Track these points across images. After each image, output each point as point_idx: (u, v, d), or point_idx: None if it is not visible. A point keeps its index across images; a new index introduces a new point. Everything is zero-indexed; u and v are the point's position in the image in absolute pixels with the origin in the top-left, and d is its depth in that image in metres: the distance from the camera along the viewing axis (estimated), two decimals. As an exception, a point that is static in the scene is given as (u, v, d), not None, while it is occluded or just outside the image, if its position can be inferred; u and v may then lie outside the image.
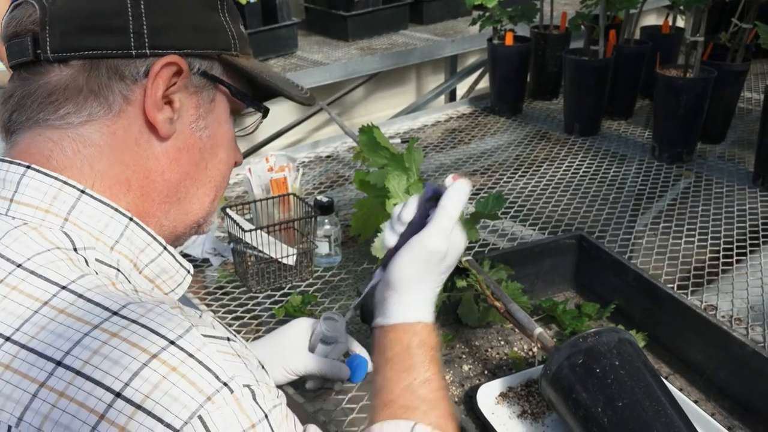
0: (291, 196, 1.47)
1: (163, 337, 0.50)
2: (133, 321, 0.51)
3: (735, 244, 1.53)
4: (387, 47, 3.04)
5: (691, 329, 1.09)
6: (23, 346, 0.50)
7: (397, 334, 0.79)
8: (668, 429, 0.83)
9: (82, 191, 0.61)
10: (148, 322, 0.51)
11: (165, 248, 0.68)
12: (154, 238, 0.66)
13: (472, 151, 2.12)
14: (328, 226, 1.43)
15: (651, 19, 4.05)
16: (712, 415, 0.99)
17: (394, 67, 3.07)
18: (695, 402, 1.02)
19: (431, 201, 0.83)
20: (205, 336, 0.52)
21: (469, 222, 1.24)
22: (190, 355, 0.50)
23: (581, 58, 2.15)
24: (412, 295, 0.80)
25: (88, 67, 0.61)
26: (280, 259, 1.37)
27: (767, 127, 1.74)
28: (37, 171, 0.60)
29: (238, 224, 1.33)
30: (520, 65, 2.32)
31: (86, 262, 0.58)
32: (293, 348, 1.00)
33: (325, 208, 1.41)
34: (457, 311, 1.21)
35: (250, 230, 1.33)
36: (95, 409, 0.47)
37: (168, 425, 0.48)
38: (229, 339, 0.55)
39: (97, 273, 0.57)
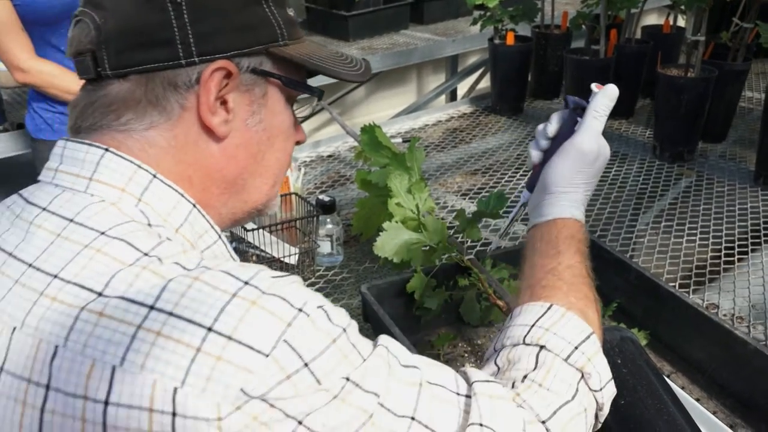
0: (293, 196, 1.47)
1: (238, 279, 0.55)
2: (210, 269, 0.56)
3: (736, 242, 1.53)
4: (388, 47, 3.04)
5: (693, 328, 1.09)
6: (114, 297, 0.54)
7: (548, 228, 0.83)
8: (670, 427, 0.83)
9: (154, 175, 0.65)
10: (223, 269, 0.56)
11: (219, 237, 0.71)
12: (212, 226, 0.70)
13: (474, 151, 2.12)
14: (330, 226, 1.43)
15: (652, 19, 4.06)
16: (714, 413, 1.00)
17: (395, 67, 3.07)
18: (697, 400, 1.02)
19: (575, 112, 0.86)
20: (272, 276, 0.57)
21: (471, 221, 1.24)
22: (263, 292, 0.54)
23: (582, 58, 2.15)
24: (566, 196, 0.84)
25: (144, 80, 0.65)
26: (282, 259, 1.38)
27: (768, 126, 1.75)
28: (115, 154, 0.64)
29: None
30: (521, 65, 2.32)
31: (160, 236, 0.62)
32: None
33: (327, 208, 1.41)
34: (459, 310, 1.21)
35: (253, 230, 1.33)
36: (191, 343, 0.52)
37: (258, 351, 0.52)
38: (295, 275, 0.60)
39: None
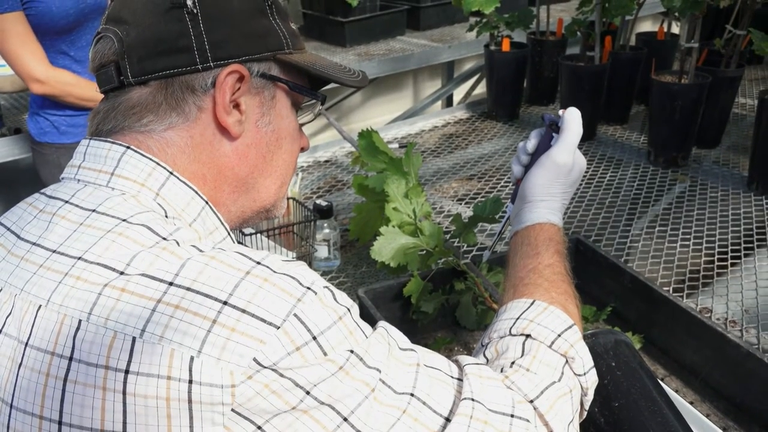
0: (290, 201, 1.48)
1: (251, 259, 0.60)
2: (224, 250, 0.60)
3: (730, 247, 1.55)
4: (384, 53, 3.05)
5: (687, 331, 1.10)
6: (136, 275, 0.58)
7: (528, 232, 0.89)
8: (664, 429, 0.84)
9: (171, 173, 0.70)
10: (237, 249, 0.61)
11: (229, 234, 0.75)
12: (222, 223, 0.74)
13: (470, 156, 2.14)
14: (327, 230, 1.44)
15: (646, 26, 4.08)
16: (707, 416, 1.01)
17: (392, 73, 3.09)
18: (691, 403, 1.03)
19: (551, 128, 0.94)
20: (282, 260, 0.61)
21: (467, 226, 1.26)
22: (274, 271, 0.59)
23: (577, 64, 2.17)
24: (543, 203, 0.91)
25: (164, 85, 0.70)
26: (279, 263, 1.38)
27: (761, 133, 1.76)
28: (135, 151, 0.69)
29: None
30: (516, 71, 2.34)
31: (175, 225, 0.66)
32: None
33: (325, 212, 1.42)
34: (455, 314, 1.22)
35: (251, 234, 1.34)
36: (207, 315, 0.55)
37: (270, 323, 0.56)
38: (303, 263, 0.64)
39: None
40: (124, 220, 0.63)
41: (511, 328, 0.76)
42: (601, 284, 1.27)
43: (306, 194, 1.87)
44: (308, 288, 0.59)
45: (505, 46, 2.31)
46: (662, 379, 1.09)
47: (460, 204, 1.81)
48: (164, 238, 0.61)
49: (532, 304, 0.78)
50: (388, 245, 1.17)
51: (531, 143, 0.95)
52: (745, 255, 1.51)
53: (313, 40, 3.26)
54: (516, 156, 0.98)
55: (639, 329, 1.18)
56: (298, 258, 1.41)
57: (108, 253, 0.60)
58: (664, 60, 2.33)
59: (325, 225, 1.44)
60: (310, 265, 1.44)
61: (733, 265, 1.48)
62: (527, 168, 0.95)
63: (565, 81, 2.18)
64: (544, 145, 0.94)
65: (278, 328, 0.56)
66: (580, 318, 0.82)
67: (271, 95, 0.76)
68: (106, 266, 0.59)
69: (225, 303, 0.56)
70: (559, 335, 0.75)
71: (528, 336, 0.75)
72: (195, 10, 0.70)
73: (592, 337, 0.92)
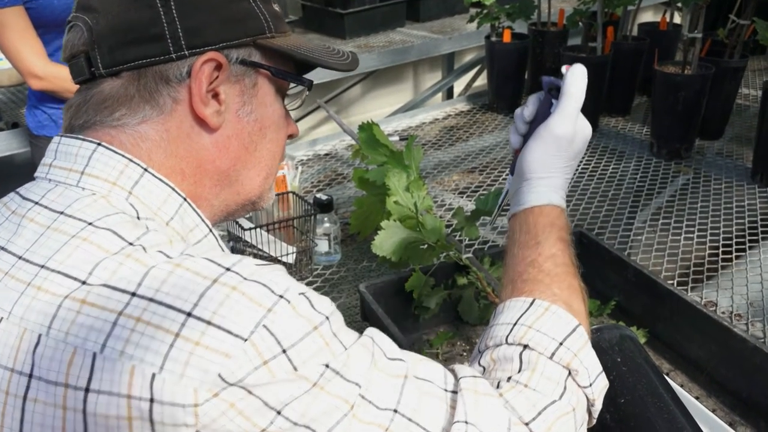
0: (290, 195, 1.47)
1: (219, 265, 0.55)
2: (192, 256, 0.57)
3: (734, 240, 1.53)
4: (384, 45, 3.03)
5: (692, 325, 1.09)
6: (98, 285, 0.55)
7: (526, 216, 0.80)
8: (671, 425, 0.83)
9: (145, 169, 0.66)
10: (206, 256, 0.57)
11: (210, 231, 0.71)
12: (202, 220, 0.71)
13: (471, 149, 2.12)
14: (327, 224, 1.42)
15: (648, 16, 4.06)
16: (713, 411, 1.00)
17: (392, 65, 3.07)
18: (696, 398, 1.02)
19: (550, 93, 0.83)
20: (256, 264, 0.57)
21: (469, 219, 1.24)
22: (245, 278, 0.55)
23: (579, 55, 2.14)
24: (543, 181, 0.81)
25: (137, 75, 0.66)
26: (279, 258, 1.37)
27: (765, 124, 1.75)
28: (107, 148, 0.65)
29: (237, 223, 1.33)
30: (517, 62, 2.32)
31: (147, 228, 0.62)
32: None
33: (325, 206, 1.41)
34: (458, 309, 1.21)
35: (250, 229, 1.32)
36: (170, 329, 0.52)
37: (237, 336, 0.52)
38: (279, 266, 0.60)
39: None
40: (90, 224, 0.59)
41: (507, 336, 0.69)
42: (605, 278, 1.26)
43: (306, 188, 1.86)
44: (280, 296, 0.55)
45: (506, 38, 2.29)
46: (667, 374, 1.08)
47: (462, 197, 1.79)
48: (130, 243, 0.58)
49: (531, 304, 0.71)
50: (389, 239, 1.16)
51: (528, 110, 0.85)
52: (750, 247, 1.50)
53: (312, 32, 3.24)
54: (512, 126, 0.88)
55: (643, 323, 1.17)
56: (299, 252, 1.39)
57: (71, 261, 0.57)
58: (666, 51, 2.31)
59: (326, 219, 1.42)
60: (310, 259, 1.42)
61: (737, 257, 1.46)
62: (526, 137, 0.85)
63: (567, 72, 2.16)
64: (543, 113, 0.83)
65: (245, 340, 0.52)
66: (587, 314, 0.75)
67: (253, 83, 0.72)
68: (67, 275, 0.56)
69: (189, 314, 0.52)
70: (561, 343, 0.67)
71: (526, 346, 0.67)
72: None
73: (597, 332, 0.91)
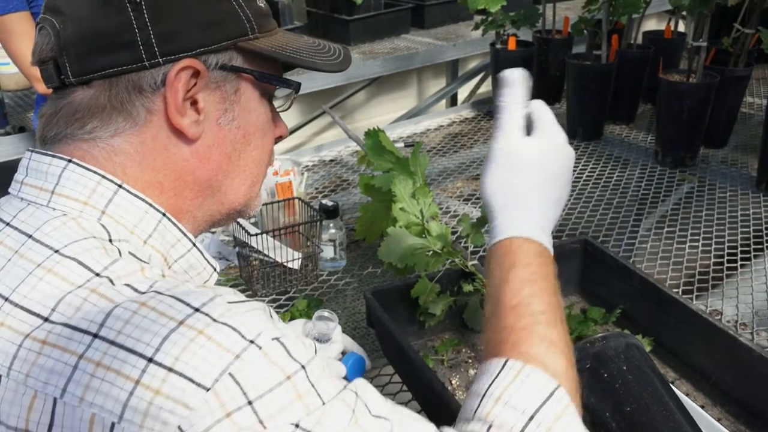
0: (296, 200, 1.47)
1: (188, 305, 0.52)
2: (161, 293, 0.53)
3: (739, 248, 1.53)
4: (389, 51, 3.04)
5: (697, 334, 1.09)
6: (59, 324, 0.52)
7: (488, 257, 0.71)
8: (676, 434, 0.83)
9: (119, 186, 0.63)
10: (174, 293, 0.53)
11: (194, 245, 0.69)
12: (185, 235, 0.68)
13: (475, 156, 2.12)
14: (333, 230, 1.43)
15: (651, 24, 4.06)
16: (718, 420, 1.00)
17: (396, 71, 3.08)
18: (702, 407, 1.02)
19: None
20: (229, 302, 0.53)
21: (475, 226, 1.24)
22: (214, 320, 0.51)
23: (584, 63, 2.15)
24: (502, 212, 0.71)
25: (108, 85, 0.62)
26: (285, 263, 1.38)
27: (770, 132, 1.75)
28: (78, 165, 0.62)
29: (243, 228, 1.33)
30: (522, 70, 2.32)
31: (119, 253, 0.59)
32: None
33: (330, 212, 1.41)
34: (463, 315, 1.21)
35: (256, 234, 1.33)
36: (130, 375, 0.49)
37: (199, 384, 0.48)
38: (264, 305, 0.57)
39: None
40: (56, 251, 0.56)
41: (475, 411, 0.61)
42: (610, 286, 1.26)
43: (311, 193, 1.86)
44: (251, 341, 0.51)
45: (511, 45, 2.30)
46: (672, 383, 1.08)
47: (466, 204, 1.80)
48: (97, 274, 0.55)
49: (503, 367, 0.62)
50: (395, 246, 1.16)
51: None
52: (755, 256, 1.50)
53: (317, 38, 3.25)
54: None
55: (649, 332, 1.17)
56: (305, 258, 1.40)
57: (34, 294, 0.54)
58: (671, 59, 2.32)
59: (331, 225, 1.43)
60: (315, 265, 1.43)
61: (742, 266, 1.46)
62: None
63: (572, 80, 2.16)
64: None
65: (208, 390, 0.48)
66: (571, 362, 0.65)
67: (234, 88, 0.67)
68: (30, 311, 0.53)
69: (150, 360, 0.49)
70: (532, 417, 0.59)
71: (490, 426, 0.59)
72: None
73: (603, 340, 0.91)
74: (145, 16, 0.61)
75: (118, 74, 0.62)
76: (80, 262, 0.56)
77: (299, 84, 0.73)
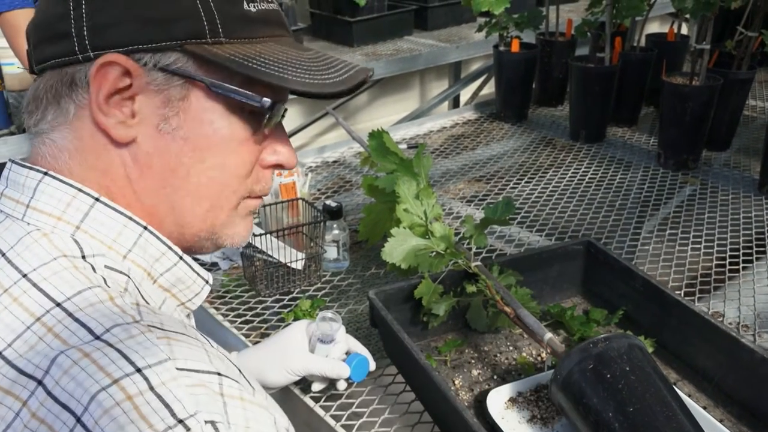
0: (300, 201, 1.48)
1: (131, 363, 0.49)
2: (110, 345, 0.50)
3: (741, 251, 1.54)
4: (392, 53, 3.05)
5: (700, 336, 1.09)
6: (9, 363, 0.51)
7: None
8: (679, 434, 0.83)
9: (96, 199, 0.61)
10: (123, 347, 0.50)
11: (181, 258, 0.67)
12: (170, 248, 0.65)
13: (478, 157, 2.13)
14: (336, 231, 1.43)
15: (654, 27, 4.07)
16: (720, 421, 1.00)
17: (399, 73, 3.09)
18: (704, 408, 1.02)
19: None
20: (179, 369, 0.49)
21: (478, 228, 1.25)
22: (151, 387, 0.48)
23: (587, 65, 2.16)
24: None
25: (48, 76, 0.62)
26: (288, 264, 1.38)
27: (773, 135, 1.75)
28: (54, 178, 0.61)
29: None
30: (525, 72, 2.33)
31: (93, 268, 0.58)
32: (293, 349, 1.02)
33: (334, 213, 1.42)
34: (466, 316, 1.22)
35: (260, 234, 1.33)
36: None
37: None
38: (219, 374, 0.51)
39: (105, 280, 0.57)
40: (24, 276, 0.55)
41: None
42: (613, 287, 1.26)
43: (313, 194, 1.87)
44: (179, 421, 0.46)
45: (515, 47, 2.30)
46: (675, 384, 1.08)
47: (469, 205, 1.80)
48: (58, 304, 0.53)
49: None
50: (399, 247, 1.16)
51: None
52: (757, 258, 1.50)
53: (320, 40, 3.26)
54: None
55: (651, 333, 1.17)
56: (308, 258, 1.40)
57: None
58: (674, 61, 2.32)
59: (335, 226, 1.43)
60: (319, 265, 1.43)
61: (744, 268, 1.47)
62: None
63: (575, 82, 2.17)
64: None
65: None
66: None
67: (181, 95, 0.61)
68: None
69: (78, 419, 0.46)
70: None
71: None
72: None
73: (606, 341, 0.92)
74: (83, 6, 0.59)
75: (60, 66, 0.61)
76: (44, 292, 0.54)
77: (272, 102, 0.63)
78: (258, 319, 1.30)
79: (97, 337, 0.51)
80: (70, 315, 0.53)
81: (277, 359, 1.00)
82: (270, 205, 1.45)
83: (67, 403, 0.47)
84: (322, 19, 3.27)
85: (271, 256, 1.37)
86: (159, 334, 0.52)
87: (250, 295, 1.39)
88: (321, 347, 1.03)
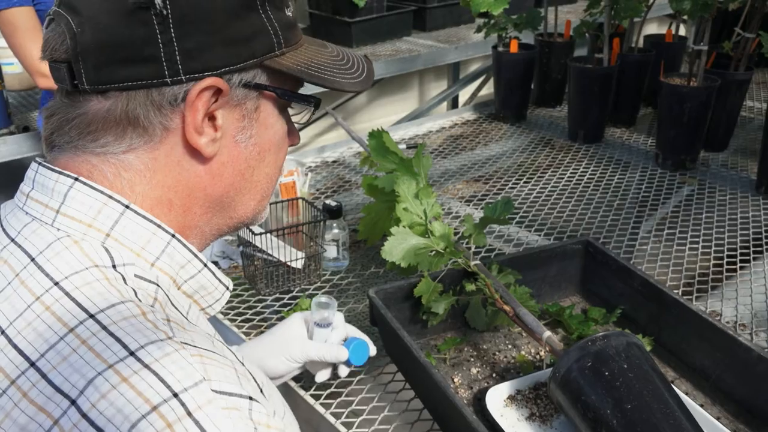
0: (299, 200, 1.48)
1: (169, 387, 0.49)
2: (146, 366, 0.51)
3: (738, 251, 1.54)
4: (391, 53, 3.05)
5: (697, 334, 1.10)
6: (44, 376, 0.51)
7: None
8: (676, 431, 0.84)
9: (127, 206, 0.61)
10: (159, 368, 0.50)
11: (205, 265, 0.68)
12: (195, 255, 0.66)
13: (477, 158, 2.14)
14: (336, 230, 1.44)
15: (653, 28, 4.08)
16: (717, 418, 1.01)
17: (398, 74, 3.09)
18: (701, 406, 1.03)
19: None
20: (215, 391, 0.51)
21: (477, 227, 1.26)
22: (189, 414, 0.49)
23: (585, 66, 2.16)
24: None
25: (125, 98, 0.60)
26: (288, 263, 1.39)
27: (770, 136, 1.76)
28: (84, 184, 0.61)
29: (248, 227, 1.34)
30: (524, 72, 2.34)
31: (124, 279, 0.58)
32: (292, 337, 1.03)
33: (334, 212, 1.42)
34: (465, 315, 1.22)
35: (260, 234, 1.34)
36: None
37: None
38: (251, 398, 0.53)
39: (135, 292, 0.58)
40: (56, 284, 0.55)
41: None
42: (611, 286, 1.27)
43: (313, 194, 1.88)
44: None
45: (513, 48, 2.31)
46: (672, 382, 1.09)
47: (468, 205, 1.81)
48: (92, 316, 0.53)
49: None
50: (398, 246, 1.17)
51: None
52: (754, 258, 1.51)
53: (319, 40, 3.26)
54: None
55: (648, 331, 1.18)
56: (308, 257, 1.41)
57: (28, 332, 0.53)
58: (672, 62, 2.33)
59: (335, 225, 1.44)
60: (318, 265, 1.44)
61: (741, 268, 1.48)
62: None
63: (573, 83, 2.18)
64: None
65: None
66: None
67: (255, 106, 0.66)
68: (21, 352, 0.53)
69: None
70: None
71: None
72: (165, 12, 0.58)
73: (605, 339, 0.93)
74: (171, 30, 0.59)
75: (137, 88, 0.60)
76: (77, 303, 0.54)
77: (319, 100, 0.71)
78: (258, 318, 1.31)
79: (132, 353, 0.51)
80: (105, 328, 0.53)
81: (276, 349, 1.01)
82: (270, 204, 1.45)
83: (104, 427, 0.48)
84: (321, 20, 3.27)
85: (271, 255, 1.38)
86: (192, 351, 0.53)
87: (250, 293, 1.39)
88: (319, 332, 1.04)
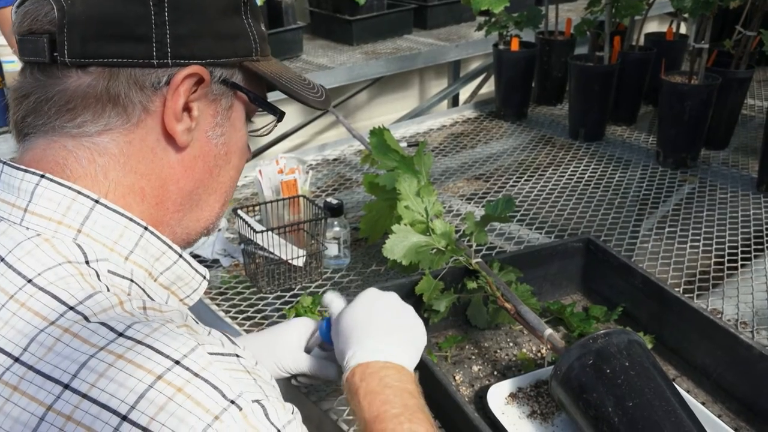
0: (301, 198, 1.48)
1: (168, 357, 0.50)
2: (139, 342, 0.51)
3: (739, 249, 1.54)
4: (391, 51, 3.05)
5: (698, 332, 1.10)
6: (30, 368, 0.51)
7: (348, 386, 0.84)
8: (678, 429, 0.84)
9: (96, 201, 0.60)
10: (152, 342, 0.51)
11: (180, 256, 0.68)
12: (170, 247, 0.66)
13: (478, 156, 2.14)
14: (337, 228, 1.44)
15: (653, 26, 4.08)
16: (719, 416, 1.01)
17: (398, 72, 3.09)
18: (702, 403, 1.03)
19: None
20: (211, 354, 0.52)
21: (479, 225, 1.26)
22: (196, 375, 0.50)
23: (586, 64, 2.16)
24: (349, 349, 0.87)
25: (108, 74, 0.60)
26: (289, 261, 1.39)
27: (771, 134, 1.76)
28: (51, 180, 0.60)
29: (249, 225, 1.34)
30: (525, 70, 2.34)
31: (98, 275, 0.58)
32: (289, 346, 0.99)
33: (335, 210, 1.42)
34: (466, 313, 1.22)
35: (261, 231, 1.34)
36: None
37: None
38: (237, 356, 0.55)
39: (108, 288, 0.57)
40: (29, 281, 0.54)
41: None
42: (612, 284, 1.27)
43: (314, 192, 1.88)
44: (231, 402, 0.50)
45: (514, 46, 2.31)
46: (674, 380, 1.09)
47: (469, 203, 1.81)
48: (72, 308, 0.53)
49: None
50: (400, 243, 1.17)
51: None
52: (755, 256, 1.51)
53: (320, 38, 3.26)
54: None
55: (650, 329, 1.18)
56: (309, 255, 1.41)
57: (7, 330, 0.52)
58: (673, 61, 2.33)
59: (336, 223, 1.44)
60: (319, 262, 1.44)
61: (742, 266, 1.48)
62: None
63: (574, 81, 2.18)
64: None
65: None
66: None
67: (228, 104, 0.68)
68: (2, 350, 0.52)
69: (124, 418, 0.47)
70: None
71: None
72: None
73: (606, 336, 0.93)
74: (166, 13, 0.60)
75: (121, 65, 0.60)
76: (54, 296, 0.54)
77: (284, 113, 0.74)
78: (259, 316, 1.31)
79: (120, 334, 0.51)
80: (87, 317, 0.52)
81: (270, 354, 0.98)
82: (271, 202, 1.46)
83: (108, 403, 0.48)
84: (321, 18, 3.27)
85: (272, 253, 1.37)
86: (178, 323, 0.54)
87: (252, 291, 1.39)
88: (318, 352, 1.00)
